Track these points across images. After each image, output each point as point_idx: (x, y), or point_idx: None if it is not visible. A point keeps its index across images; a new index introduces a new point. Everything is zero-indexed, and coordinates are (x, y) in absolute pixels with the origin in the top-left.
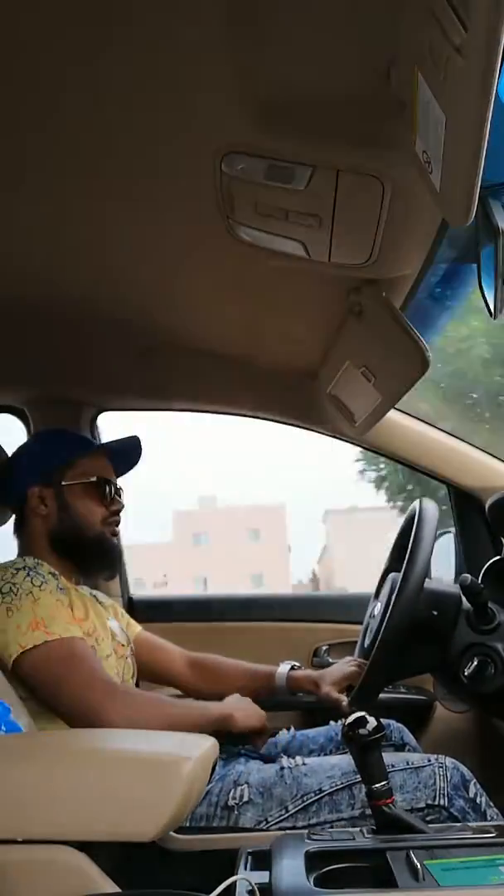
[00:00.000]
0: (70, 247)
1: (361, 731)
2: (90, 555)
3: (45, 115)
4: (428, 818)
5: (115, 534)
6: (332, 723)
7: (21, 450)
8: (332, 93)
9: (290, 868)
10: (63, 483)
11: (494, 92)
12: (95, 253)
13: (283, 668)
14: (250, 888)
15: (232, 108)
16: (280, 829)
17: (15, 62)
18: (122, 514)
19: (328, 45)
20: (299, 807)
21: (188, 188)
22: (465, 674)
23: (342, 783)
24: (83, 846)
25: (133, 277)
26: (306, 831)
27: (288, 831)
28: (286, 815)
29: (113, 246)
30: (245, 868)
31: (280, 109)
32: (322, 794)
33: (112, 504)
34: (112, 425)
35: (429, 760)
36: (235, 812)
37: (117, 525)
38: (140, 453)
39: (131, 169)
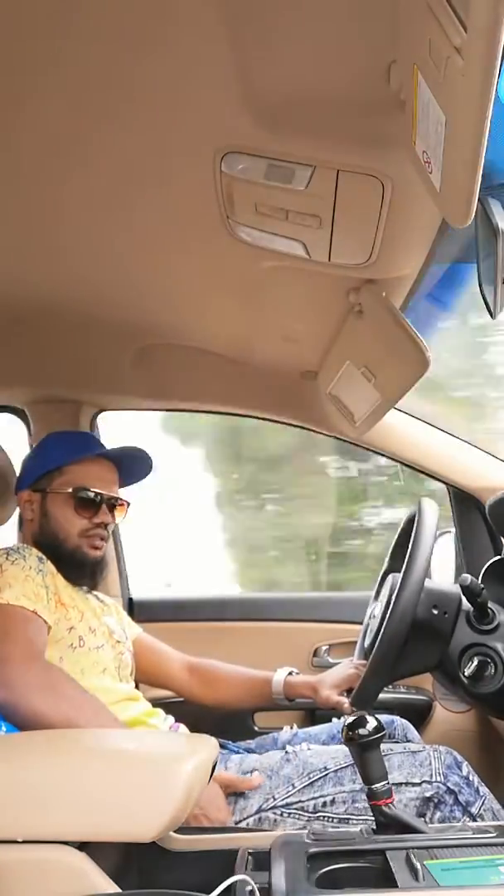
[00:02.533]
0: (69, 247)
1: (361, 731)
2: (68, 565)
3: (44, 114)
4: (427, 794)
5: (98, 547)
6: (334, 720)
7: (30, 452)
8: (332, 93)
9: (290, 868)
10: (48, 490)
11: (494, 92)
12: (95, 253)
13: (280, 674)
14: (250, 888)
15: (232, 108)
16: (286, 804)
17: (13, 58)
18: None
19: (328, 45)
20: (305, 783)
21: (188, 188)
22: (465, 674)
23: (346, 763)
24: (83, 846)
25: (133, 277)
26: (306, 831)
27: (288, 831)
28: (293, 791)
29: (113, 246)
30: (245, 868)
31: (280, 109)
32: (327, 772)
33: (95, 516)
34: None
35: (424, 747)
36: (244, 797)
37: (101, 538)
38: (149, 466)
39: (131, 168)
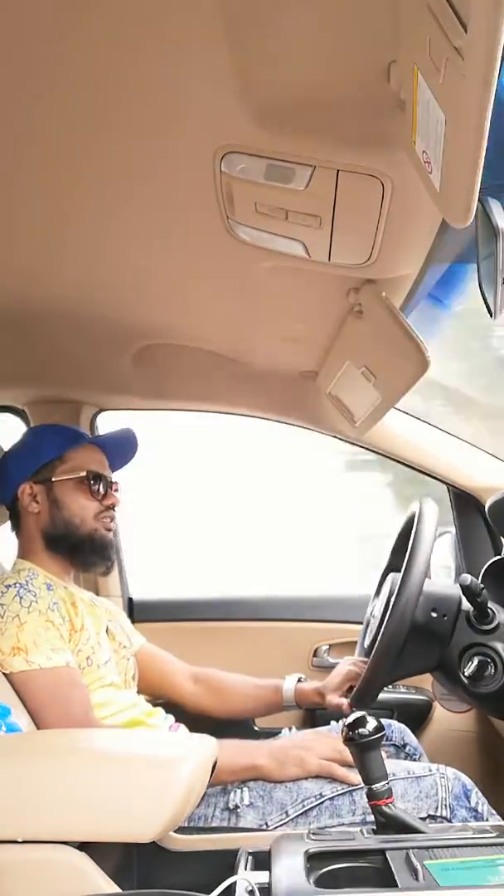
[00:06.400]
0: (69, 247)
1: (361, 730)
2: (83, 550)
3: (43, 114)
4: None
5: (110, 528)
6: (332, 723)
7: (13, 447)
8: (332, 93)
9: (290, 868)
10: (53, 479)
11: (494, 92)
12: (95, 253)
13: (290, 682)
14: (250, 888)
15: (232, 107)
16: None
17: (12, 60)
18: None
19: (328, 45)
20: (300, 811)
21: (188, 188)
22: (465, 674)
23: (343, 789)
24: (83, 846)
25: (133, 277)
26: (306, 831)
27: (288, 832)
28: (286, 819)
29: (112, 246)
30: (245, 868)
31: (280, 109)
32: (323, 799)
33: (105, 498)
34: None
35: (430, 770)
36: (236, 814)
37: (111, 520)
38: (135, 447)
39: (130, 168)
